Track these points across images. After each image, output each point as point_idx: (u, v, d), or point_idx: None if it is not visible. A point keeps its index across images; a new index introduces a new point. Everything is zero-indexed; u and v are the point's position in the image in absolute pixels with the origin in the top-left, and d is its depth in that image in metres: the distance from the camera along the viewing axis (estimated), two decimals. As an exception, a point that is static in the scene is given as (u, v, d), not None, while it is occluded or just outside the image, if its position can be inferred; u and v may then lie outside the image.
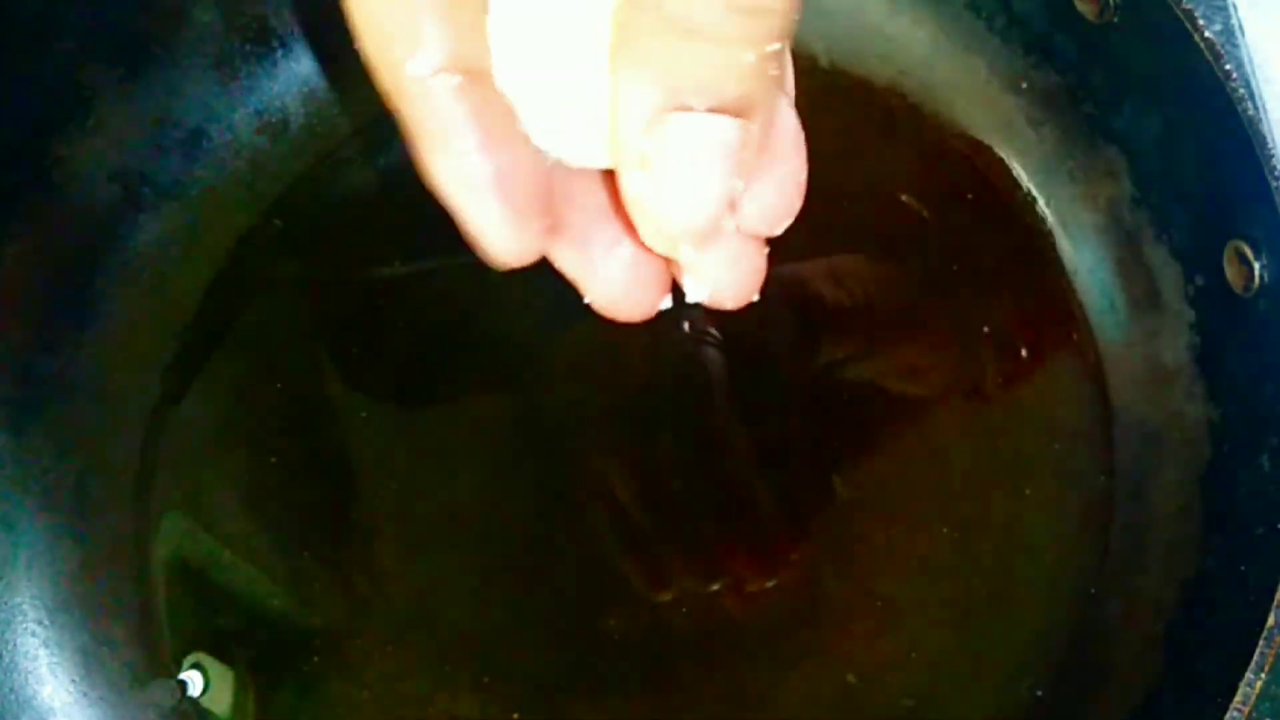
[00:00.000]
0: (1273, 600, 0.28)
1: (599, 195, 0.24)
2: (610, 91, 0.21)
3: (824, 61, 0.41)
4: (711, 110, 0.20)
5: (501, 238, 0.22)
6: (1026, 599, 0.35)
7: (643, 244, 0.23)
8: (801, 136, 0.24)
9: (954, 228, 0.40)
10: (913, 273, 0.39)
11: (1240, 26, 0.46)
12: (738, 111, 0.20)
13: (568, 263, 0.25)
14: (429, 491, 0.36)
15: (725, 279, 0.25)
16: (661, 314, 0.26)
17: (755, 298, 0.26)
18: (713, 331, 0.37)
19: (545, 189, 0.23)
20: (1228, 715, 0.27)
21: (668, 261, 0.25)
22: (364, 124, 0.40)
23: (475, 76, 0.21)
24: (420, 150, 0.22)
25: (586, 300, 0.25)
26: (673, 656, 0.34)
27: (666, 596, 0.35)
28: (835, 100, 0.41)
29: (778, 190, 0.24)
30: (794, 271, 0.38)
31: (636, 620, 0.35)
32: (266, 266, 0.39)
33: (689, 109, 0.19)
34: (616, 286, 0.25)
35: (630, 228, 0.23)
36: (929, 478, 0.36)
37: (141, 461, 0.36)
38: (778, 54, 0.20)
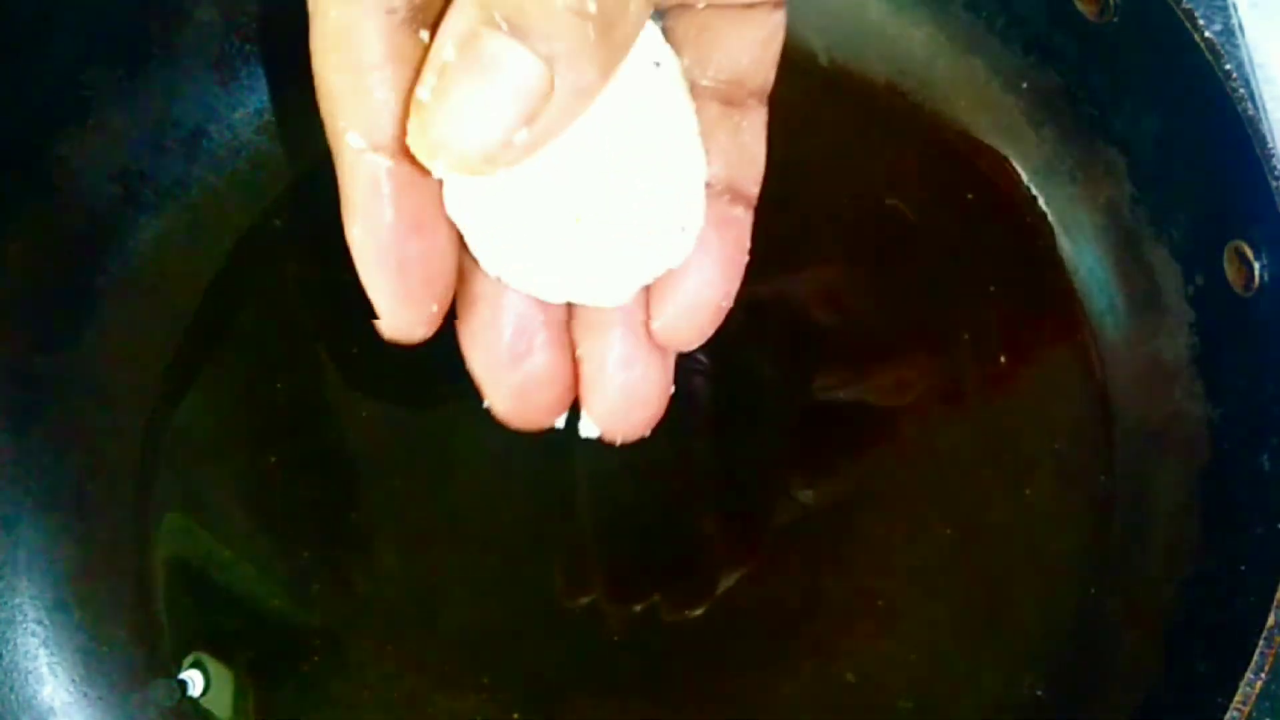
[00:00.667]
0: (1273, 600, 0.28)
1: (524, 310, 0.25)
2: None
3: (824, 61, 0.41)
4: (516, 40, 0.20)
5: (391, 315, 0.23)
6: (1026, 599, 0.35)
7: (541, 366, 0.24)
8: (726, 251, 0.24)
9: (954, 228, 0.40)
10: (912, 273, 0.39)
11: (1240, 26, 0.46)
12: (542, 56, 0.20)
13: (475, 362, 0.25)
14: (429, 491, 0.36)
15: (626, 397, 0.25)
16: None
17: (647, 433, 0.26)
18: (701, 359, 0.37)
19: (448, 283, 0.24)
20: (1228, 715, 0.27)
21: (575, 382, 0.25)
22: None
23: (411, 162, 0.21)
24: (342, 208, 0.22)
25: (485, 404, 0.25)
26: (672, 656, 0.34)
27: (654, 599, 0.35)
28: (835, 100, 0.41)
29: (687, 300, 0.24)
30: (779, 291, 0.38)
31: (636, 620, 0.35)
32: (266, 266, 0.39)
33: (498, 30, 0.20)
34: (515, 399, 0.25)
35: (543, 343, 0.24)
36: (929, 478, 0.36)
37: (141, 461, 0.36)
38: (604, 23, 0.20)
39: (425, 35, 0.21)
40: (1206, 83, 0.32)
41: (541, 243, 0.23)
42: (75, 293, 0.37)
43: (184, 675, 0.35)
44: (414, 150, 0.21)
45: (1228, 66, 0.32)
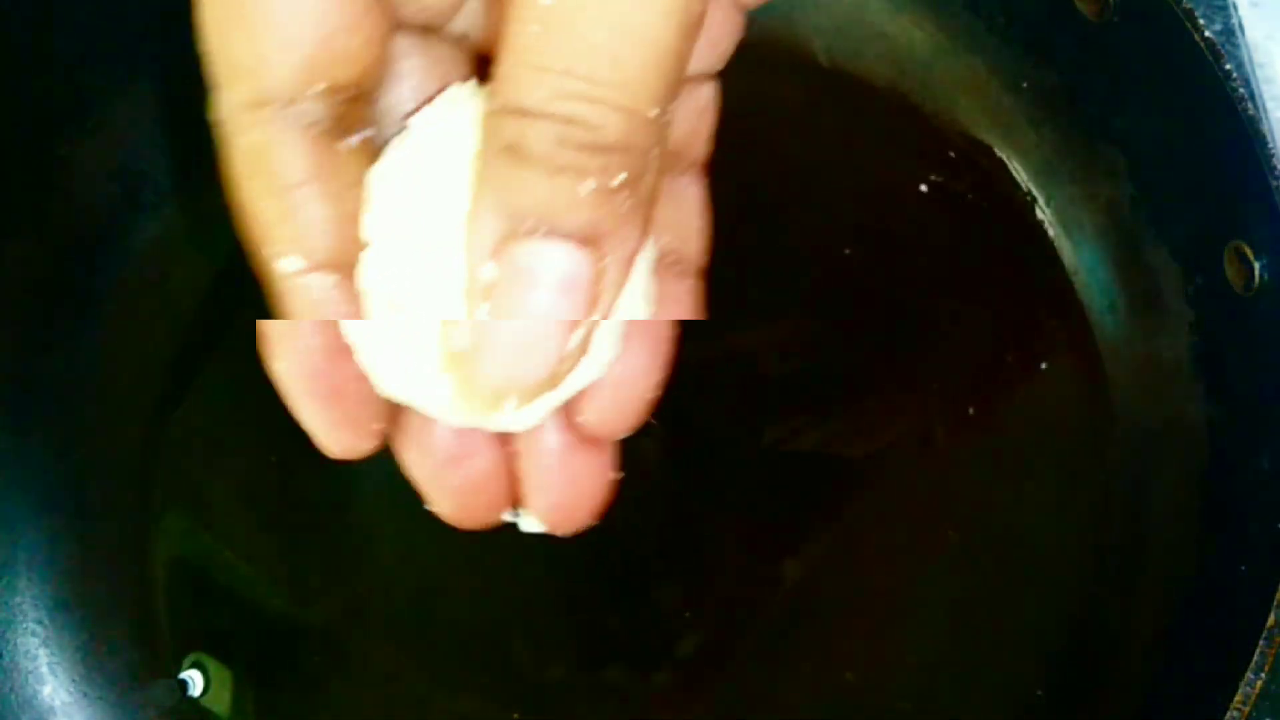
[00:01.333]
0: (1273, 600, 0.28)
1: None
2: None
3: (824, 61, 0.41)
4: (555, 239, 0.19)
5: (333, 441, 0.22)
6: (1026, 599, 0.35)
7: (485, 466, 0.23)
8: (656, 341, 0.23)
9: (954, 228, 0.40)
10: (912, 273, 0.39)
11: (1240, 26, 0.46)
12: (584, 242, 0.19)
13: (413, 467, 0.24)
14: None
15: (566, 491, 0.24)
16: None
17: (594, 521, 0.24)
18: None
19: (378, 403, 0.22)
20: (1228, 715, 0.27)
21: (511, 482, 0.24)
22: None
23: (345, 283, 0.20)
24: (261, 344, 0.21)
25: (426, 506, 0.25)
26: (672, 656, 0.34)
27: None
28: (835, 100, 0.41)
29: (614, 395, 0.23)
30: (779, 290, 0.38)
31: (636, 620, 0.35)
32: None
33: (533, 236, 0.19)
34: (458, 502, 0.24)
35: (480, 444, 0.23)
36: (929, 478, 0.36)
37: (141, 461, 0.36)
38: (633, 184, 0.19)
39: (351, 141, 0.20)
40: (1206, 83, 0.32)
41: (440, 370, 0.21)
42: (75, 293, 0.37)
43: (184, 675, 0.35)
44: (469, 404, 0.20)
45: (1228, 66, 0.32)
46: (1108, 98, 0.38)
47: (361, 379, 0.22)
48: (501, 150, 0.18)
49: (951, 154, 0.40)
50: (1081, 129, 0.39)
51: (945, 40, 0.40)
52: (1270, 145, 0.31)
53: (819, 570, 0.35)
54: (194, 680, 0.35)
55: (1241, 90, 0.32)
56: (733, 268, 0.39)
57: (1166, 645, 0.33)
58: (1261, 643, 0.27)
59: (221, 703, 0.34)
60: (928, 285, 0.39)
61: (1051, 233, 0.39)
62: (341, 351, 0.21)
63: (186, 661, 0.35)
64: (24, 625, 0.35)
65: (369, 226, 0.21)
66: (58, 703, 0.34)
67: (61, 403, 0.36)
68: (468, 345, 0.19)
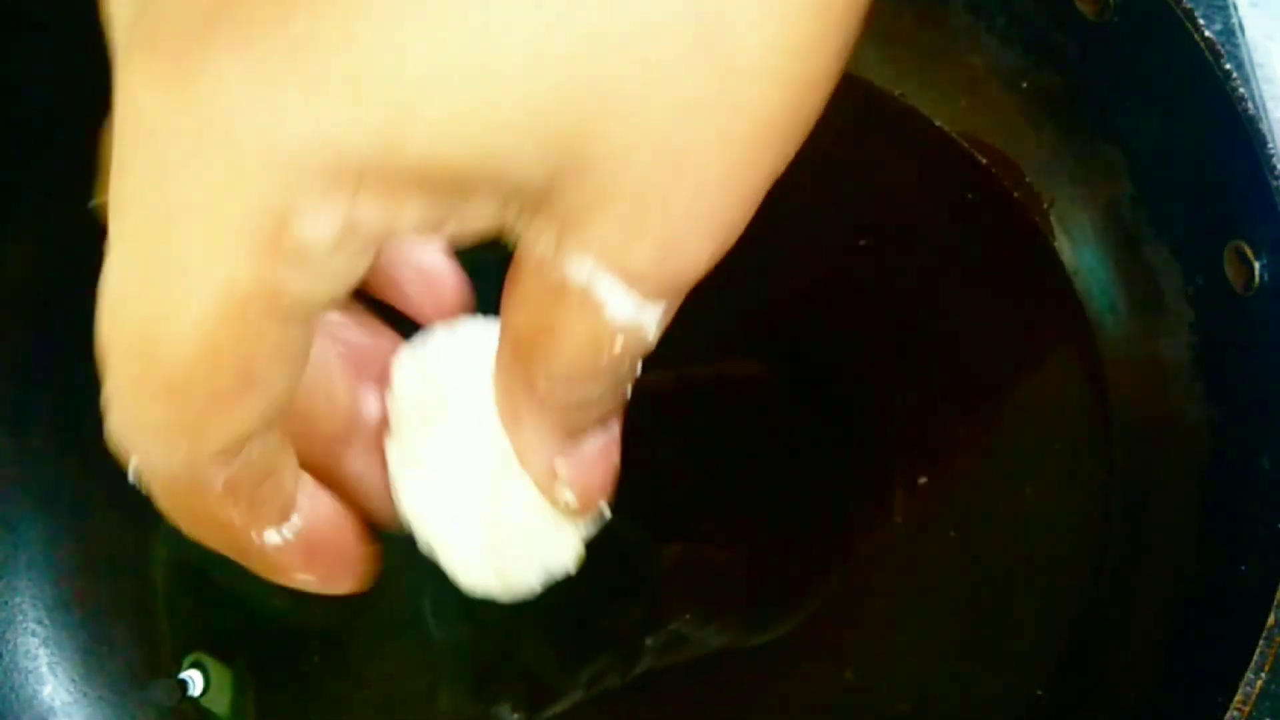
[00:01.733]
0: (1273, 600, 0.27)
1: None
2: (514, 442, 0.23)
3: (824, 61, 0.41)
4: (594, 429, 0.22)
5: (332, 589, 0.24)
6: (1026, 599, 0.35)
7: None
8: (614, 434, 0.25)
9: (954, 228, 0.40)
10: (912, 273, 0.39)
11: (1240, 26, 0.46)
12: (619, 391, 0.21)
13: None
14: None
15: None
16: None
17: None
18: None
19: (359, 545, 0.24)
20: (1228, 715, 0.27)
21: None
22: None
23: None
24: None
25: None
26: (672, 656, 0.34)
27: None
28: (835, 100, 0.40)
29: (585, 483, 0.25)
30: (778, 291, 0.38)
31: (636, 620, 0.35)
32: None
33: (581, 437, 0.22)
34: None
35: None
36: (929, 478, 0.36)
37: (141, 461, 0.36)
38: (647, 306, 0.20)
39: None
40: (1206, 83, 0.32)
41: (466, 537, 0.26)
42: (75, 293, 0.37)
43: (184, 675, 0.35)
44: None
45: (1228, 66, 0.32)
46: (1108, 98, 0.38)
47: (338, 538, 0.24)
48: (552, 409, 0.21)
49: (951, 154, 0.40)
50: (1081, 129, 0.39)
51: (945, 40, 0.40)
52: (1270, 145, 0.31)
53: (819, 570, 0.35)
54: (194, 680, 0.35)
55: (1241, 90, 0.32)
56: (730, 267, 0.39)
57: (1166, 645, 0.33)
58: (1261, 643, 0.27)
59: (221, 703, 0.34)
60: (927, 285, 0.39)
61: (1051, 233, 0.39)
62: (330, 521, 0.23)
63: (186, 661, 0.35)
64: (24, 625, 0.35)
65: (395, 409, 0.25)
66: (58, 703, 0.34)
67: (61, 403, 0.36)
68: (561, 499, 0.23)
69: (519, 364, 0.20)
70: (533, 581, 0.27)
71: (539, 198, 0.17)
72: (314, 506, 0.22)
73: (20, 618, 0.35)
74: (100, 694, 0.34)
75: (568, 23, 0.15)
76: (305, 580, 0.23)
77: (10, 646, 0.34)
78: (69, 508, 0.36)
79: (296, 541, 0.22)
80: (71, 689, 0.34)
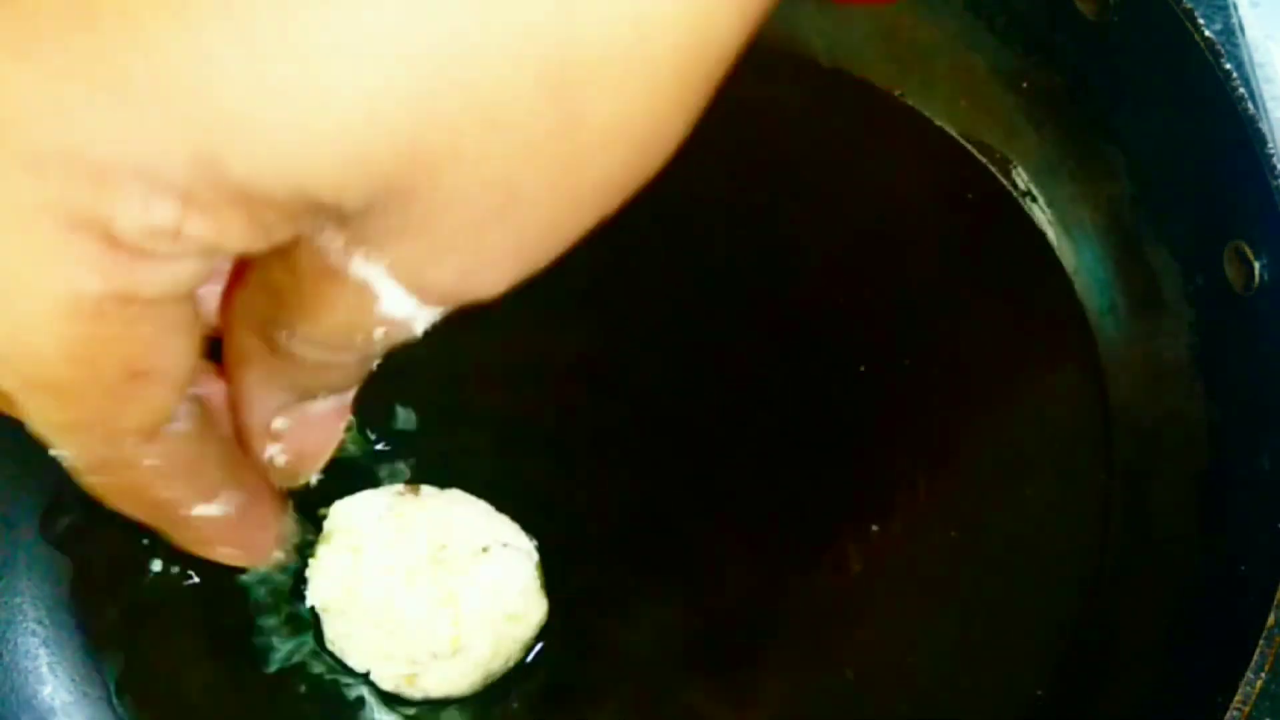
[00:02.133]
0: (1273, 600, 0.28)
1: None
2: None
3: (824, 61, 0.41)
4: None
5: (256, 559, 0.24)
6: (1026, 599, 0.35)
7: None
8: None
9: (954, 228, 0.40)
10: (912, 273, 0.39)
11: (1240, 26, 0.46)
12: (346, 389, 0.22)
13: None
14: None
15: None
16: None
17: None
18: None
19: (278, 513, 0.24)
20: (1228, 715, 0.27)
21: None
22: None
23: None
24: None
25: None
26: (673, 656, 0.34)
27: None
28: (835, 100, 0.41)
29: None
30: (778, 290, 0.38)
31: (637, 620, 0.35)
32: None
33: (312, 398, 0.22)
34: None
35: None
36: (929, 478, 0.36)
37: (141, 461, 0.36)
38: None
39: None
40: (1206, 83, 0.32)
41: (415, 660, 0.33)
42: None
43: (184, 675, 0.35)
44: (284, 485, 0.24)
45: (1228, 66, 0.32)
46: (1108, 98, 0.38)
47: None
48: (287, 365, 0.21)
49: (951, 154, 0.40)
50: (1081, 129, 0.39)
51: (945, 40, 0.40)
52: (1270, 145, 0.31)
53: (819, 570, 0.35)
54: (194, 680, 0.35)
55: (1241, 90, 0.32)
56: (731, 267, 0.39)
57: (1167, 645, 0.33)
58: (1261, 643, 0.27)
59: (221, 703, 0.34)
60: (928, 285, 0.39)
61: (1051, 233, 0.39)
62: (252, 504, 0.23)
63: (186, 661, 0.35)
64: (24, 625, 0.35)
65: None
66: (58, 703, 0.34)
67: (61, 403, 0.36)
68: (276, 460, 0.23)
69: (270, 308, 0.19)
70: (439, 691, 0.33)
71: (348, 216, 0.17)
72: (240, 480, 0.22)
73: (20, 618, 0.35)
74: (100, 694, 0.34)
75: (409, 70, 0.15)
76: (229, 554, 0.23)
77: (10, 646, 0.34)
78: (69, 508, 0.36)
79: (223, 516, 0.22)
80: (71, 689, 0.34)
